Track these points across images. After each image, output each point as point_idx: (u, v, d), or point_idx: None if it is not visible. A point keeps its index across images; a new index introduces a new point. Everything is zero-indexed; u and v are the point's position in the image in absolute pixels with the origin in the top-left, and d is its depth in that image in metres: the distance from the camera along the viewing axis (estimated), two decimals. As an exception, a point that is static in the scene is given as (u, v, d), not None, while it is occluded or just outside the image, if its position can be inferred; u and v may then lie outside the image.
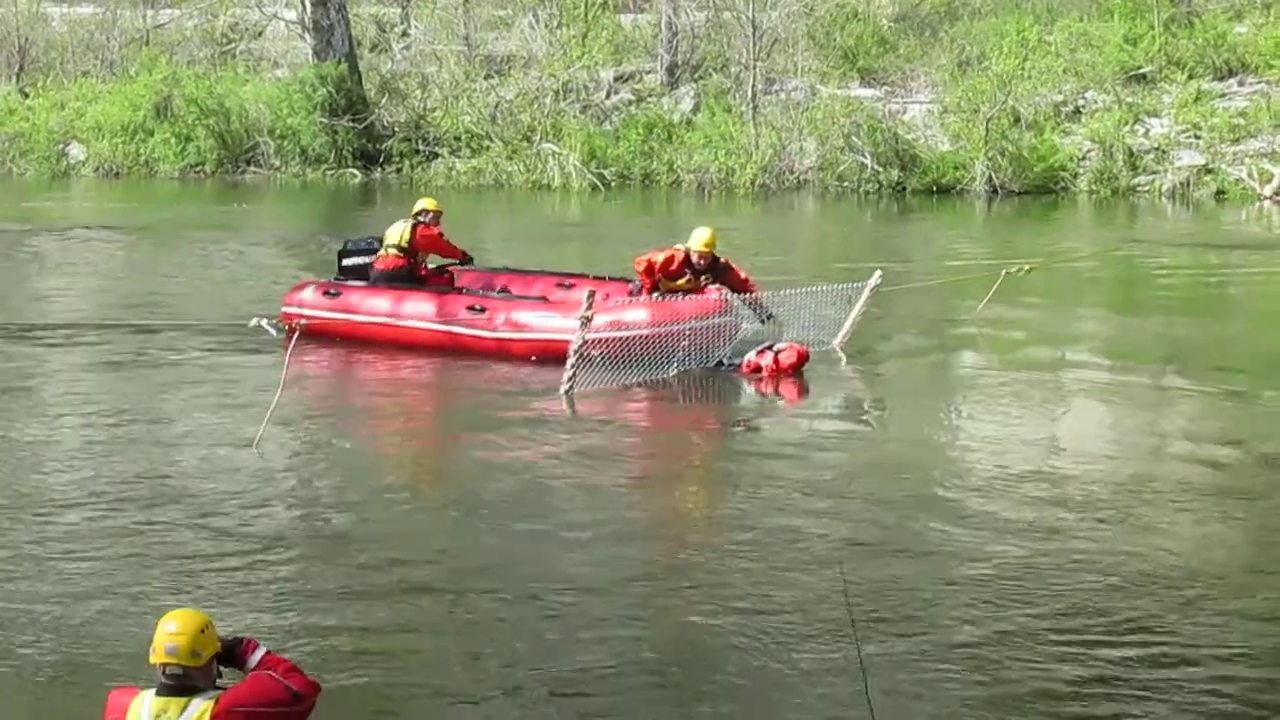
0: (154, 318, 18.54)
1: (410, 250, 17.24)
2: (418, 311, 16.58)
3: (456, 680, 8.48)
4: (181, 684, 6.05)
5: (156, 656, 6.06)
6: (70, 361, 16.46)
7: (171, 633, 6.06)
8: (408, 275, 17.19)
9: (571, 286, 16.93)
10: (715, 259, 15.92)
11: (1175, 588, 9.73)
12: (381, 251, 17.36)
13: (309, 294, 17.23)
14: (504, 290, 17.16)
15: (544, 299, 16.66)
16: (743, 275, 16.09)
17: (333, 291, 17.15)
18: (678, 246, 15.98)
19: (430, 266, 17.66)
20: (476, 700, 8.23)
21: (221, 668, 6.27)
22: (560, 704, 8.19)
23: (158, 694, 6.06)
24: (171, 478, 12.06)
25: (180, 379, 15.66)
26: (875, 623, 9.06)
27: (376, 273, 17.26)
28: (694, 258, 15.82)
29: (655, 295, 15.67)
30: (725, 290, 15.77)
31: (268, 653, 6.36)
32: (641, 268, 15.94)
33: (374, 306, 16.88)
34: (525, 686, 8.34)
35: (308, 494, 12.04)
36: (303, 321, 15.24)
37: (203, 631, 6.10)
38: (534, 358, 15.73)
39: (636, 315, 15.53)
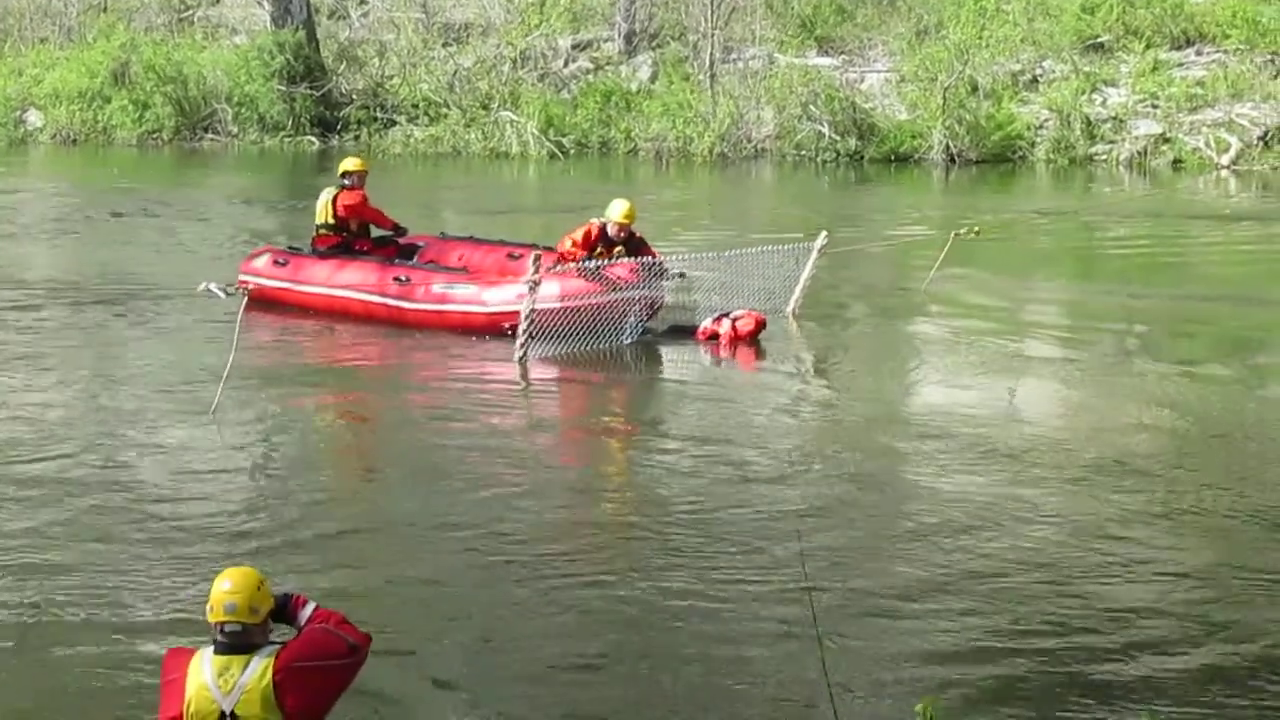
0: (102, 284, 18.45)
1: (339, 225, 16.98)
2: (351, 281, 16.43)
3: (410, 645, 8.46)
4: (240, 641, 6.04)
5: (215, 615, 6.05)
6: (18, 327, 16.36)
7: (228, 591, 6.04)
8: (345, 252, 16.91)
9: (520, 257, 16.56)
10: (631, 233, 15.77)
11: (1122, 548, 9.85)
12: (314, 231, 17.16)
13: (262, 262, 17.21)
14: (431, 262, 16.93)
15: (465, 269, 16.54)
16: (657, 255, 15.89)
17: (281, 260, 17.10)
18: (592, 220, 15.84)
19: (372, 239, 17.30)
20: (427, 668, 8.24)
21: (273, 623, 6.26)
22: (514, 674, 8.21)
23: (216, 652, 6.04)
24: (129, 448, 12.03)
25: (131, 345, 15.64)
26: (831, 588, 9.14)
27: (315, 252, 17.13)
28: (611, 229, 15.61)
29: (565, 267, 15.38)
30: (633, 260, 15.47)
31: (317, 607, 6.37)
32: (563, 248, 15.68)
33: (313, 275, 16.82)
34: (477, 655, 8.38)
35: (263, 462, 12.05)
36: (250, 287, 15.29)
37: (259, 588, 6.10)
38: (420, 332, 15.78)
39: (550, 288, 15.20)
